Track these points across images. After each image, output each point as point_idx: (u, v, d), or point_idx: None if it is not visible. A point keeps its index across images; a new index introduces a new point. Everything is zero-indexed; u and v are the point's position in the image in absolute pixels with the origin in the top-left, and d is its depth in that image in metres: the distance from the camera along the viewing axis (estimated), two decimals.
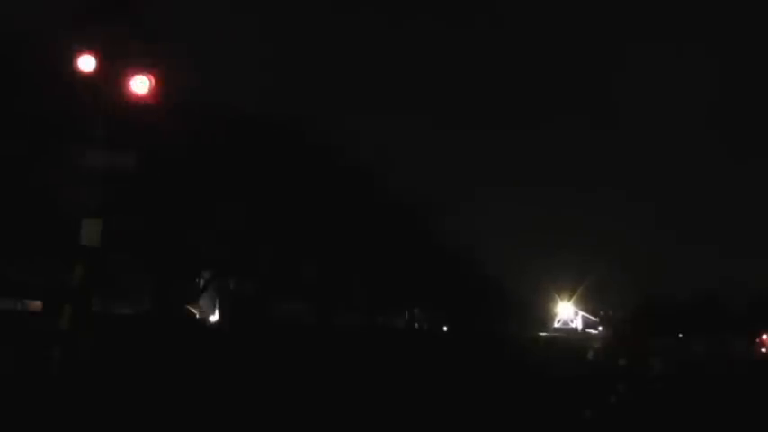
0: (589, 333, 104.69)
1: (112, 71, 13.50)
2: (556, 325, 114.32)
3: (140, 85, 13.50)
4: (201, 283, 29.57)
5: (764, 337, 74.48)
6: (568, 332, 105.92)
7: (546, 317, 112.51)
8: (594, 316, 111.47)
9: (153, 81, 13.56)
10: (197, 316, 31.32)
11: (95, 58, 13.34)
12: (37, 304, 21.28)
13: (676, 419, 17.36)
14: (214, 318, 35.29)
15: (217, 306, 35.56)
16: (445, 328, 61.83)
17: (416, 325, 55.68)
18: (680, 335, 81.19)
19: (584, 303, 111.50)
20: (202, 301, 33.02)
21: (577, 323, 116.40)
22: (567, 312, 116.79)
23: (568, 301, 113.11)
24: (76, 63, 13.38)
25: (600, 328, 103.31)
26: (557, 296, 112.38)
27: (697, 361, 48.98)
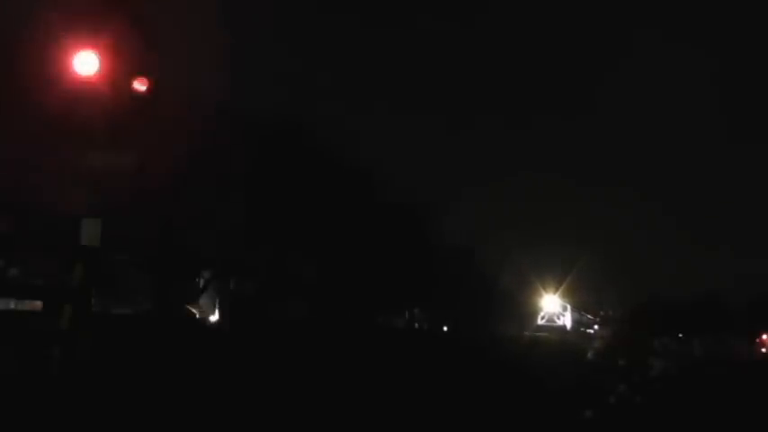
0: (584, 333, 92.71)
1: (112, 71, 13.51)
2: (540, 322, 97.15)
3: (140, 85, 13.53)
4: (201, 283, 29.58)
5: (765, 337, 74.46)
6: (555, 330, 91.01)
7: (530, 312, 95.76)
8: (593, 315, 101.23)
9: (153, 81, 13.59)
10: (197, 316, 31.33)
11: (95, 58, 13.35)
12: (37, 304, 21.28)
13: (677, 421, 17.36)
14: (214, 318, 35.29)
15: (217, 306, 35.56)
16: (445, 328, 61.84)
17: (416, 325, 55.70)
18: (680, 335, 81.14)
19: (578, 300, 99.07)
20: (202, 301, 33.02)
21: (566, 320, 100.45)
22: (553, 307, 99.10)
23: (554, 293, 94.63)
24: (76, 63, 13.39)
25: (596, 327, 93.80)
26: (541, 288, 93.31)
27: (697, 361, 48.98)
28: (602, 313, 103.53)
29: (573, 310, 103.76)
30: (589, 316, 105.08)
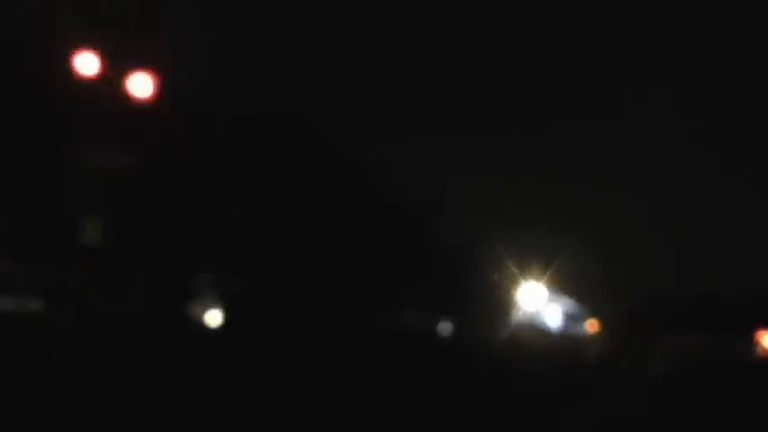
0: (579, 336, 78.13)
1: (113, 70, 13.53)
2: (519, 317, 70.46)
3: (141, 84, 13.54)
4: (202, 283, 29.58)
5: (766, 337, 74.06)
6: (538, 330, 68.26)
7: (506, 304, 72.23)
8: (594, 314, 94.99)
9: (154, 80, 13.59)
10: (197, 316, 31.32)
11: (96, 57, 13.36)
12: (37, 304, 21.30)
13: (677, 421, 17.35)
14: (214, 318, 35.25)
15: (217, 306, 35.53)
16: (447, 330, 61.51)
17: (417, 327, 55.59)
18: (680, 335, 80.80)
19: (570, 290, 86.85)
20: (203, 302, 33.01)
21: (553, 316, 74.87)
22: (535, 299, 71.28)
23: (536, 281, 68.18)
24: (77, 62, 13.40)
25: (591, 324, 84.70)
26: (519, 276, 67.89)
27: (698, 361, 48.69)
28: (603, 313, 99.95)
29: (564, 303, 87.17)
30: (579, 312, 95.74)
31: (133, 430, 12.00)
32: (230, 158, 24.53)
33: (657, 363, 40.70)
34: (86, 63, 13.19)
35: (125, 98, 13.71)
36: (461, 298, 58.35)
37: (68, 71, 13.50)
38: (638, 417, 17.47)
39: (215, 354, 20.60)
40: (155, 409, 13.07)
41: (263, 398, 15.46)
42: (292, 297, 34.04)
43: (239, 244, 27.63)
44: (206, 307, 34.82)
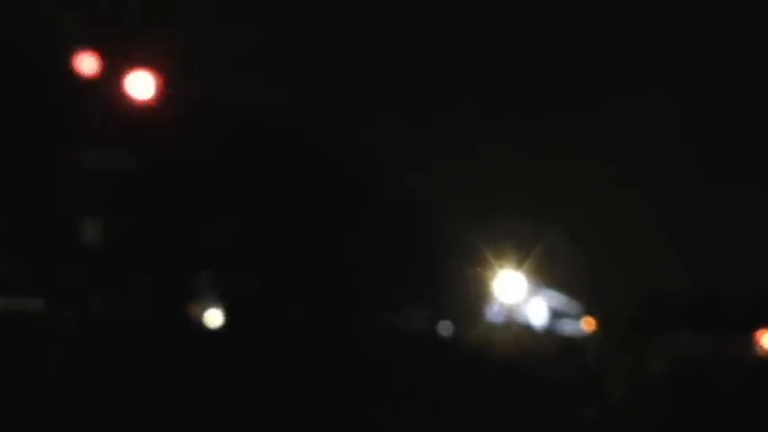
0: (573, 335, 69.01)
1: (113, 70, 13.55)
2: (493, 314, 58.82)
3: (142, 84, 13.56)
4: (202, 283, 29.59)
5: (765, 336, 73.90)
6: (519, 330, 57.11)
7: (480, 298, 60.84)
8: (592, 313, 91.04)
9: (154, 80, 13.61)
10: (197, 316, 31.33)
11: (96, 56, 13.38)
12: (37, 304, 21.31)
13: (677, 421, 17.35)
14: (215, 318, 35.25)
15: (217, 306, 35.52)
16: (444, 330, 61.28)
17: (417, 328, 55.48)
18: (680, 334, 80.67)
19: (564, 293, 76.19)
20: (203, 302, 33.01)
21: (538, 312, 62.03)
22: (513, 289, 59.05)
23: (515, 270, 56.05)
24: (77, 62, 13.42)
25: (584, 321, 78.65)
26: (495, 265, 54.97)
27: (699, 361, 48.62)
28: (603, 314, 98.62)
29: (552, 298, 73.38)
30: (570, 309, 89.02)
31: (132, 431, 12.01)
32: (229, 158, 24.55)
33: (657, 363, 40.59)
34: (86, 63, 13.21)
35: (125, 98, 13.73)
36: (439, 292, 56.60)
37: (68, 71, 13.52)
38: (638, 419, 17.47)
39: (215, 354, 20.61)
40: (154, 410, 13.07)
41: (262, 398, 15.46)
42: (293, 297, 34.05)
43: (239, 244, 27.64)
44: (206, 307, 34.85)
